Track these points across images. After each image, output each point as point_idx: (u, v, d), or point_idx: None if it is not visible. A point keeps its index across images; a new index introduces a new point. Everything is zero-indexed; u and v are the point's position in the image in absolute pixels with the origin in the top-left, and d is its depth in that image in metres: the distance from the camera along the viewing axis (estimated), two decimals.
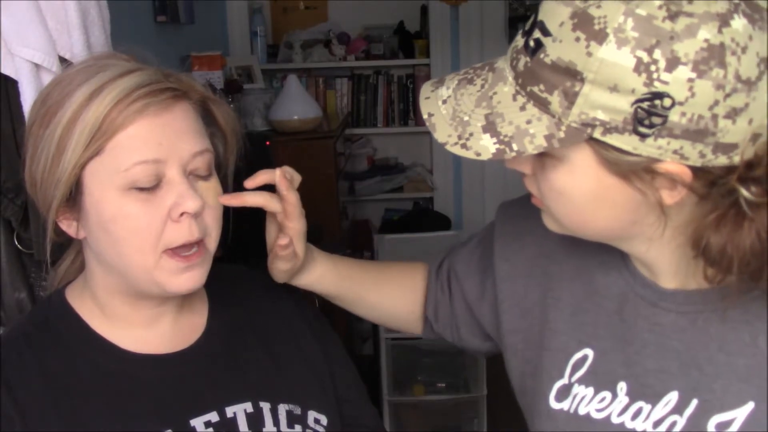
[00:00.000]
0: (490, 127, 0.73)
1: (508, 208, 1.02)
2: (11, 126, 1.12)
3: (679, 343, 0.80)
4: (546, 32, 0.70)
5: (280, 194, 0.94)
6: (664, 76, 0.65)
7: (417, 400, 2.78)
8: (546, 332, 0.90)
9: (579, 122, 0.69)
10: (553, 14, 0.70)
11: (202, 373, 0.92)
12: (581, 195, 0.74)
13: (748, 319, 0.76)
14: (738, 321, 0.77)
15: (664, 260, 0.80)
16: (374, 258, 2.87)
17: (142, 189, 0.82)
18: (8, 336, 0.91)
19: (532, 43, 0.71)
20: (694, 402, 0.77)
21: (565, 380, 0.87)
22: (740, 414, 0.75)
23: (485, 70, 0.77)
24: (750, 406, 0.75)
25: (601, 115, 0.68)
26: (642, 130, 0.67)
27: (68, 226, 0.87)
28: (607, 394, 0.83)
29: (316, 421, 0.95)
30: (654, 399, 0.80)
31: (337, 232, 2.83)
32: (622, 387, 0.82)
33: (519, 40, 0.74)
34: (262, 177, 0.93)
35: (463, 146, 0.74)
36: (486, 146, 0.73)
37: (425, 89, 0.81)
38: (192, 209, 0.83)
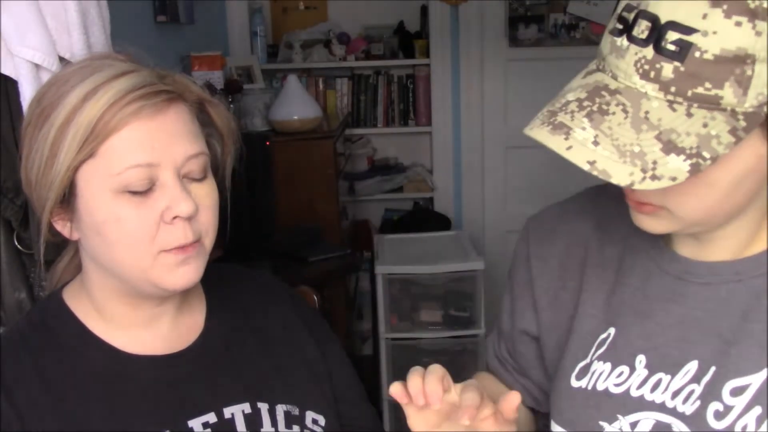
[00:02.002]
0: (669, 147, 0.68)
1: (536, 218, 1.02)
2: (11, 126, 1.12)
3: (702, 312, 0.81)
4: (688, 30, 0.66)
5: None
6: None
7: None
8: (576, 316, 0.91)
9: (756, 105, 0.67)
10: (684, 11, 0.66)
11: (200, 374, 0.92)
12: (736, 177, 0.72)
13: None
14: (762, 290, 0.78)
15: (737, 232, 0.80)
16: (374, 258, 2.86)
17: (134, 192, 0.82)
18: (6, 338, 0.91)
19: (672, 47, 0.67)
20: (712, 369, 0.78)
21: (587, 360, 0.88)
22: (755, 380, 0.75)
23: (606, 96, 0.71)
24: (765, 373, 0.75)
25: None
26: None
27: (63, 227, 0.87)
28: (625, 369, 0.84)
29: (314, 421, 0.95)
30: (674, 369, 0.81)
31: (337, 232, 2.82)
32: (641, 360, 0.83)
33: (642, 51, 0.68)
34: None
35: (653, 178, 0.68)
36: (678, 167, 0.67)
37: (552, 141, 0.71)
38: (185, 213, 0.83)
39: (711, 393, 0.77)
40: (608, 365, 0.85)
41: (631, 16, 0.70)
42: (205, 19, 3.00)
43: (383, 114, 3.79)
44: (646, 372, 0.82)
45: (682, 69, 0.67)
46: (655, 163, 0.68)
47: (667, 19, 0.67)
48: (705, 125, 0.68)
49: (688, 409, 0.78)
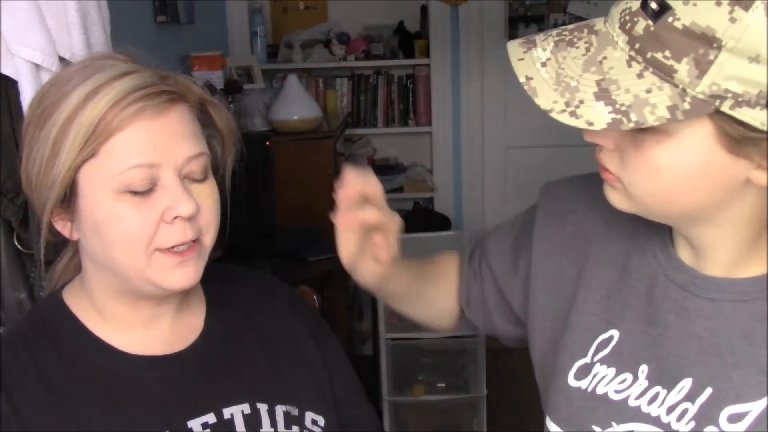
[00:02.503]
0: (603, 95, 0.67)
1: (551, 189, 1.00)
2: (11, 126, 1.12)
3: (703, 330, 0.79)
4: None
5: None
6: None
7: (417, 400, 2.77)
8: (573, 311, 0.89)
9: (708, 93, 0.64)
10: None
11: (199, 374, 0.92)
12: (683, 171, 0.70)
13: None
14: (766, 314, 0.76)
15: (725, 246, 0.77)
16: None
17: (136, 192, 0.82)
18: (5, 338, 0.91)
19: (654, 6, 0.65)
20: (708, 390, 0.77)
21: (587, 359, 0.86)
22: (755, 408, 0.74)
23: (585, 33, 0.72)
24: (765, 401, 0.74)
25: (734, 87, 0.63)
26: None
27: (63, 227, 0.87)
28: (628, 376, 0.82)
29: (314, 422, 0.95)
30: (670, 384, 0.79)
31: None
32: (643, 370, 0.82)
33: (632, 2, 0.68)
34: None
35: (573, 114, 0.67)
36: (600, 114, 0.67)
37: (514, 49, 0.73)
38: (186, 213, 0.83)
39: (707, 416, 0.76)
40: (612, 370, 0.84)
41: None
42: (205, 19, 3.00)
43: (383, 114, 3.79)
44: (646, 383, 0.81)
45: (651, 29, 0.66)
46: (581, 102, 0.67)
47: None
48: (648, 91, 0.66)
49: (683, 427, 0.77)
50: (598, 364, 0.85)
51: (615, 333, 0.85)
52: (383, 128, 3.80)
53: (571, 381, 0.87)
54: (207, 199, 0.87)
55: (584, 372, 0.86)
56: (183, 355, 0.93)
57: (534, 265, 0.96)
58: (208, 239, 0.88)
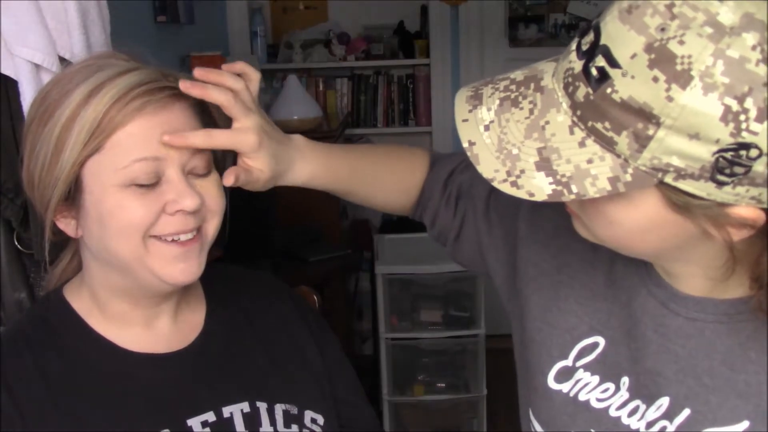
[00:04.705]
0: (544, 164, 0.66)
1: None
2: (11, 126, 1.12)
3: (682, 349, 0.78)
4: (613, 63, 0.62)
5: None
6: (754, 126, 0.59)
7: (417, 400, 2.78)
8: (553, 308, 0.88)
9: (649, 166, 0.63)
10: (622, 41, 0.61)
11: (199, 373, 0.92)
12: (635, 226, 0.69)
13: (759, 337, 0.74)
14: (748, 337, 0.75)
15: (696, 276, 0.77)
16: (374, 258, 2.86)
17: (141, 185, 0.82)
18: (7, 336, 0.91)
19: (594, 72, 0.63)
20: (686, 411, 0.76)
21: (568, 362, 0.85)
22: (735, 430, 0.74)
23: (531, 89, 0.69)
24: (745, 424, 0.74)
25: (675, 162, 0.62)
26: (720, 178, 0.62)
27: (66, 225, 0.87)
28: (611, 386, 0.82)
29: (313, 420, 0.96)
30: (649, 400, 0.79)
31: (337, 232, 2.82)
32: (624, 381, 0.81)
33: (575, 62, 0.65)
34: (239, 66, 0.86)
35: (514, 184, 0.67)
36: (540, 186, 0.66)
37: (460, 107, 0.72)
38: (189, 207, 0.83)
39: None
40: (596, 378, 0.83)
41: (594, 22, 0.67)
42: (205, 19, 3.00)
43: (383, 114, 3.79)
44: (627, 395, 0.81)
45: (591, 98, 0.64)
46: (522, 172, 0.67)
47: (604, 42, 0.63)
48: (590, 161, 0.65)
49: None
50: (581, 370, 0.84)
51: (600, 340, 0.84)
52: (383, 128, 3.80)
53: (551, 383, 0.86)
54: (212, 189, 0.87)
55: (565, 375, 0.85)
56: (183, 353, 0.93)
57: (519, 248, 0.93)
58: (211, 228, 0.88)
